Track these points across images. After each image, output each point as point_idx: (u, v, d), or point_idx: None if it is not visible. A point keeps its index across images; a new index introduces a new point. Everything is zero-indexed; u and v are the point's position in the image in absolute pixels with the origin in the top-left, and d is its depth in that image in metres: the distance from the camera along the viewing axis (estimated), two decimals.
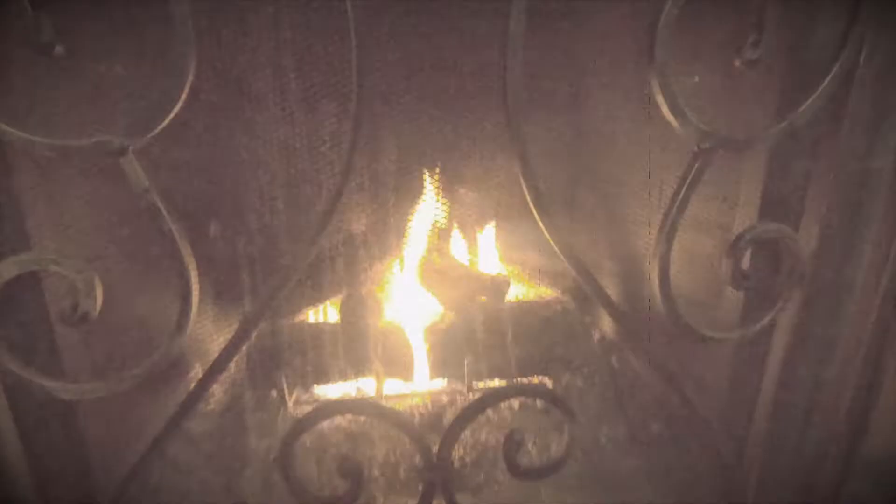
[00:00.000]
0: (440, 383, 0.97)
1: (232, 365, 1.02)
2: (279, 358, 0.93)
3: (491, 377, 0.95)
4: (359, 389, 0.96)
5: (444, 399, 0.96)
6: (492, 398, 0.60)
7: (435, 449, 0.55)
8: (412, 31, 0.82)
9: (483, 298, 0.98)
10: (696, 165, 0.46)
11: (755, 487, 0.65)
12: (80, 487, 0.58)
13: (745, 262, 0.49)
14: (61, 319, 0.44)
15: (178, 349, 0.47)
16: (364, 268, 0.94)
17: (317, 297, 0.99)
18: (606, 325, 1.08)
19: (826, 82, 0.45)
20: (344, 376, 0.93)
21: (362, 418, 0.92)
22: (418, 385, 0.95)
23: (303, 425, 0.51)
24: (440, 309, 0.99)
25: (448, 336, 0.93)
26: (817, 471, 0.65)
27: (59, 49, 0.40)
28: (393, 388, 0.95)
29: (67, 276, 0.43)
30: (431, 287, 0.98)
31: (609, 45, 0.87)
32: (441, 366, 0.94)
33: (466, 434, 0.90)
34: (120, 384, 0.47)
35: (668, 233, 0.46)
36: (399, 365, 0.92)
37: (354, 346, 0.91)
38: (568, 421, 0.55)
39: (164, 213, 0.43)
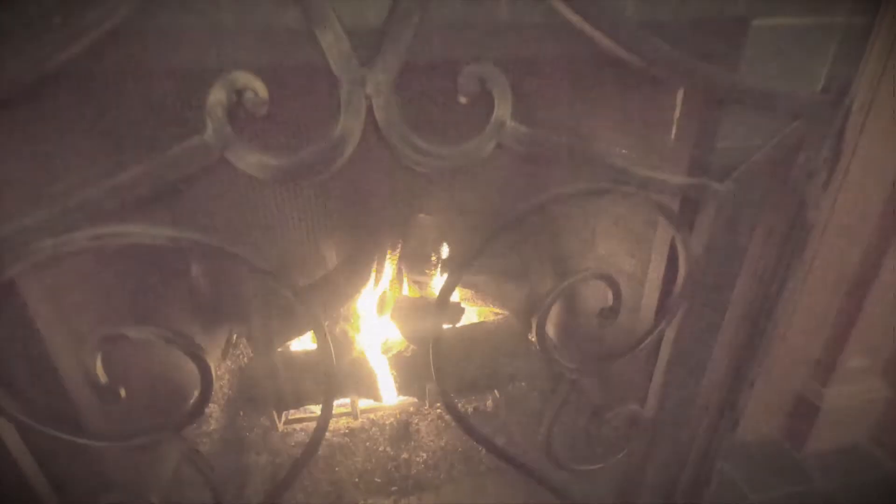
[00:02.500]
0: (405, 399, 1.15)
1: (227, 391, 1.18)
2: (268, 384, 1.08)
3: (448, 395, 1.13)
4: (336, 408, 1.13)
5: (411, 410, 1.14)
6: None
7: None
8: None
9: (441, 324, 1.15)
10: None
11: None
12: None
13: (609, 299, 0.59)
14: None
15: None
16: (336, 305, 1.11)
17: (297, 331, 1.14)
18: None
19: None
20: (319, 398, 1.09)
21: (341, 430, 1.10)
22: (388, 402, 1.13)
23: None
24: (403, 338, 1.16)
25: (411, 362, 1.10)
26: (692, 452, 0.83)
27: None
28: (366, 405, 1.13)
29: None
30: (394, 320, 1.14)
31: None
32: (407, 386, 1.11)
33: (428, 438, 1.09)
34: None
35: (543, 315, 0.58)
36: (370, 387, 1.08)
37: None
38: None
39: None
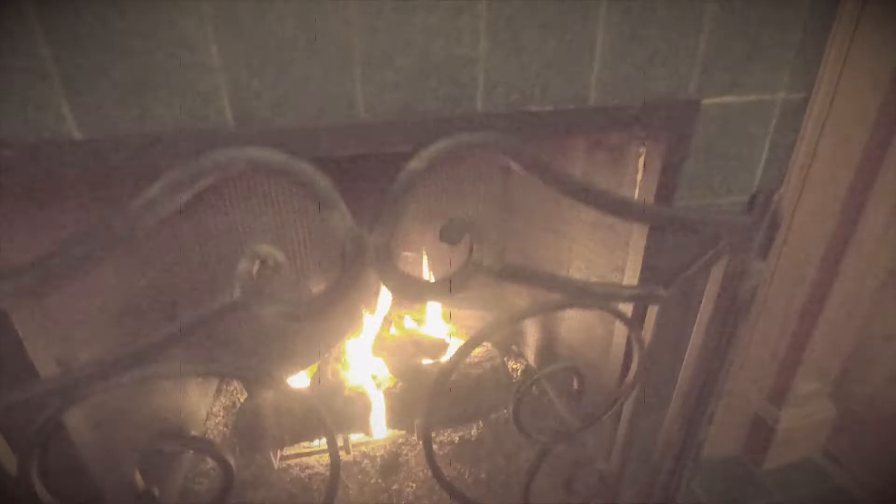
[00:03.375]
0: (395, 432, 1.21)
1: (223, 429, 1.23)
2: (264, 421, 1.13)
3: (436, 427, 1.20)
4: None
5: (400, 442, 1.20)
6: None
7: None
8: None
9: (426, 360, 1.22)
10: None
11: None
12: None
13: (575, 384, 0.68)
14: None
15: None
16: (329, 344, 1.17)
17: (291, 369, 1.20)
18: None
19: None
20: (315, 435, 1.15)
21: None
22: (378, 435, 1.19)
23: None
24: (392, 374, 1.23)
25: (400, 397, 1.17)
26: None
27: None
28: (358, 439, 1.19)
29: None
30: (379, 356, 1.21)
31: None
32: (396, 420, 1.18)
33: (417, 468, 1.16)
34: None
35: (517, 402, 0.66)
36: (362, 421, 1.15)
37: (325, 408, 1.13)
38: None
39: None
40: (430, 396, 0.63)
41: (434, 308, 1.33)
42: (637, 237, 0.87)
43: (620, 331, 0.94)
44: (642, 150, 0.84)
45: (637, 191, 0.87)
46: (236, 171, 0.41)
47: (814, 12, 0.75)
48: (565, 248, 1.12)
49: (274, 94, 0.58)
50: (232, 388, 1.32)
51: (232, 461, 0.54)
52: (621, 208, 0.56)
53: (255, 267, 0.43)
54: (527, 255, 1.31)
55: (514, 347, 1.46)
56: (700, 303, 0.71)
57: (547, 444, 0.65)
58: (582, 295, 0.55)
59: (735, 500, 1.18)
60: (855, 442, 1.27)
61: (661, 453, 0.79)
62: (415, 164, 0.44)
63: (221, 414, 1.26)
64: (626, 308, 0.68)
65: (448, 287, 0.48)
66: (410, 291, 0.49)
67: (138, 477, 0.51)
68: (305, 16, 0.55)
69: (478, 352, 1.35)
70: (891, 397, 1.34)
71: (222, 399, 1.29)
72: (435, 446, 1.21)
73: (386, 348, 1.21)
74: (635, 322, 0.63)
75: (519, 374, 1.39)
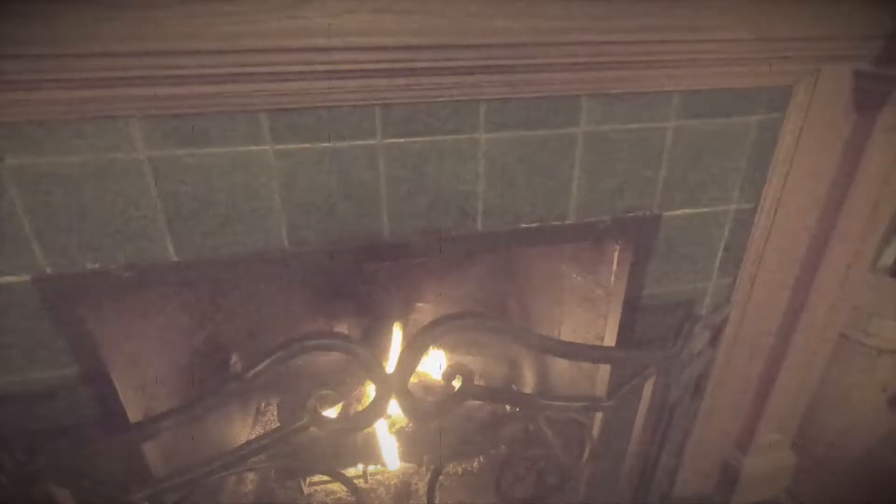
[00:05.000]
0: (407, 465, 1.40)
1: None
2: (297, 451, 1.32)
3: (445, 461, 1.38)
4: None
5: (410, 472, 1.39)
6: None
7: None
8: None
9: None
10: None
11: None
12: None
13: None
14: None
15: None
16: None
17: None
18: None
19: None
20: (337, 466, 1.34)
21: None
22: (392, 467, 1.37)
23: None
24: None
25: (412, 435, 1.35)
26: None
27: None
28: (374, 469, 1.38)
29: None
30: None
31: None
32: (408, 454, 1.36)
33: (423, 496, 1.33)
34: None
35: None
36: (378, 455, 1.33)
37: (344, 444, 1.32)
38: None
39: None
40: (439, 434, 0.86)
41: (441, 356, 1.52)
42: (611, 321, 1.06)
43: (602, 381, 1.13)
44: (616, 247, 1.01)
45: (613, 278, 1.05)
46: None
47: (756, 144, 0.93)
48: (557, 312, 1.30)
49: (321, 227, 0.78)
50: (266, 418, 1.51)
51: None
52: (571, 351, 0.75)
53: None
54: (526, 316, 1.49)
55: (513, 386, 1.64)
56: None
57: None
58: (545, 407, 0.75)
59: None
60: (818, 483, 1.42)
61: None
62: (428, 334, 0.65)
63: None
64: None
65: (447, 408, 0.68)
66: (417, 412, 0.69)
67: None
68: (346, 170, 0.75)
69: None
70: (849, 444, 1.50)
71: (258, 429, 1.48)
72: (441, 477, 1.40)
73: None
74: (586, 425, 0.82)
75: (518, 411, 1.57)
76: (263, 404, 1.54)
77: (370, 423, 0.73)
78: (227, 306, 1.29)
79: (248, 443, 0.69)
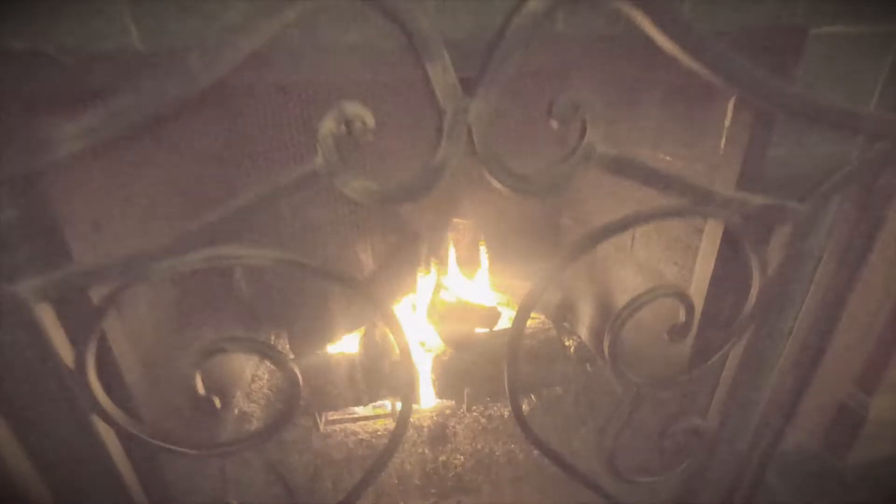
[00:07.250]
0: (442, 403, 1.16)
1: (268, 392, 1.21)
2: (310, 385, 1.10)
3: (484, 399, 1.14)
4: (374, 409, 1.15)
5: (447, 413, 1.15)
6: None
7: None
8: None
9: (478, 328, 1.16)
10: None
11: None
12: None
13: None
14: None
15: None
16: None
17: (339, 333, 1.16)
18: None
19: None
20: (364, 399, 1.11)
21: (380, 432, 1.11)
22: (425, 405, 1.14)
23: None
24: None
25: (449, 366, 1.11)
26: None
27: None
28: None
29: None
30: (434, 324, 1.15)
31: None
32: (444, 389, 1.12)
33: (465, 441, 1.10)
34: None
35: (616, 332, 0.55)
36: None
37: (373, 374, 1.09)
38: None
39: None
40: (508, 361, 0.57)
41: (485, 278, 1.27)
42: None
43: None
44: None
45: (723, 140, 0.78)
46: None
47: None
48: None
49: None
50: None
51: (297, 372, 0.50)
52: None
53: (342, 129, 0.37)
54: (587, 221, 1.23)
55: (566, 324, 1.38)
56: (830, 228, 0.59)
57: (643, 387, 0.57)
58: (705, 200, 0.47)
59: (814, 495, 1.07)
60: None
61: (765, 410, 0.70)
62: (534, 4, 0.36)
63: (266, 377, 1.24)
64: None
65: (551, 180, 0.42)
66: (509, 181, 0.42)
67: (199, 382, 0.46)
68: None
69: (531, 324, 1.29)
70: None
71: (267, 363, 1.27)
72: (483, 420, 1.16)
73: (437, 314, 1.16)
74: (760, 243, 0.53)
75: (572, 350, 1.31)
76: (273, 336, 1.32)
77: (423, 191, 0.42)
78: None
79: (225, 205, 0.43)
